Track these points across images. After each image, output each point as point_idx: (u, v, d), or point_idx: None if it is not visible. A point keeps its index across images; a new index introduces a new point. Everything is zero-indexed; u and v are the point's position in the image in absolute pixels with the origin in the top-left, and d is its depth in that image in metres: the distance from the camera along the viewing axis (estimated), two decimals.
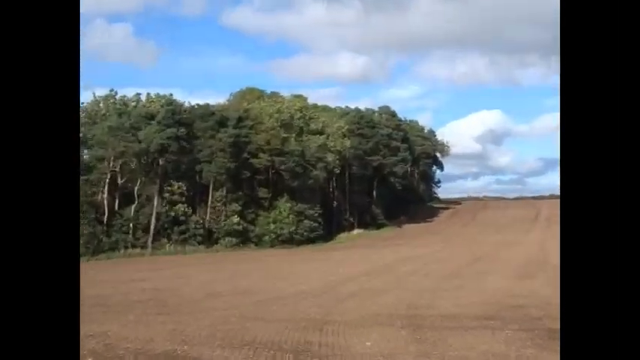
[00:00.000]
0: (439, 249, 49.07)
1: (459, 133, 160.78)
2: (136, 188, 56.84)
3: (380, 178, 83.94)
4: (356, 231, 74.96)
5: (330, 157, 68.63)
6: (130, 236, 55.05)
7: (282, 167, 63.41)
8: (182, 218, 56.81)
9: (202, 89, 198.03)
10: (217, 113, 63.54)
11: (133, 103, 66.73)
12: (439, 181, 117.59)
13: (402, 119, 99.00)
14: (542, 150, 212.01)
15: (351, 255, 45.79)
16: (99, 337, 12.67)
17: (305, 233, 63.58)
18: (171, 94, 66.49)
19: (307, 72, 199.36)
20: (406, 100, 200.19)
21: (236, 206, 60.45)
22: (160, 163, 57.60)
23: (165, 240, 55.82)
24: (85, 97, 68.49)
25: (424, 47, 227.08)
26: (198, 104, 67.65)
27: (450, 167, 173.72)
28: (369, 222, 79.25)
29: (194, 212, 58.92)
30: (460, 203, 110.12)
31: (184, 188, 58.18)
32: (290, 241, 61.74)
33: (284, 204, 62.95)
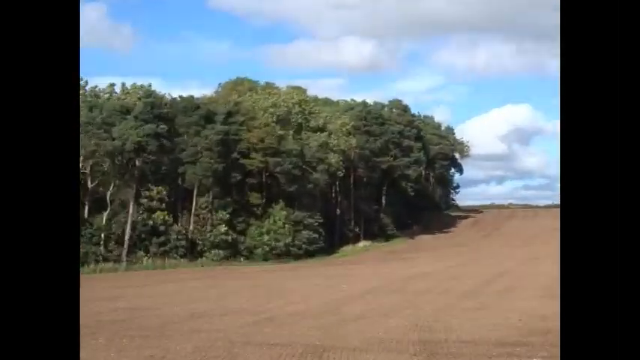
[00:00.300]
0: (457, 264, 49.16)
1: (480, 131, 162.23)
2: (108, 193, 56.98)
3: (390, 182, 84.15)
4: (362, 243, 75.16)
5: (332, 158, 68.80)
6: (102, 248, 55.10)
7: (278, 169, 63.52)
8: (162, 228, 56.89)
9: (186, 79, 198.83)
10: (203, 107, 63.78)
11: (106, 95, 67.00)
12: (458, 186, 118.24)
13: (416, 115, 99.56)
14: None
15: (355, 270, 45.84)
16: None
17: (303, 245, 63.74)
18: (149, 85, 66.79)
19: (307, 60, 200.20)
20: (420, 92, 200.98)
21: (224, 214, 60.56)
22: (137, 164, 57.73)
23: (142, 253, 55.92)
24: None
25: (440, 32, 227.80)
26: (180, 96, 68.12)
27: (470, 170, 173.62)
28: (376, 233, 79.45)
29: (175, 221, 59.02)
30: (482, 211, 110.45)
31: (164, 193, 58.32)
32: (286, 254, 61.92)
33: (279, 212, 63.06)
